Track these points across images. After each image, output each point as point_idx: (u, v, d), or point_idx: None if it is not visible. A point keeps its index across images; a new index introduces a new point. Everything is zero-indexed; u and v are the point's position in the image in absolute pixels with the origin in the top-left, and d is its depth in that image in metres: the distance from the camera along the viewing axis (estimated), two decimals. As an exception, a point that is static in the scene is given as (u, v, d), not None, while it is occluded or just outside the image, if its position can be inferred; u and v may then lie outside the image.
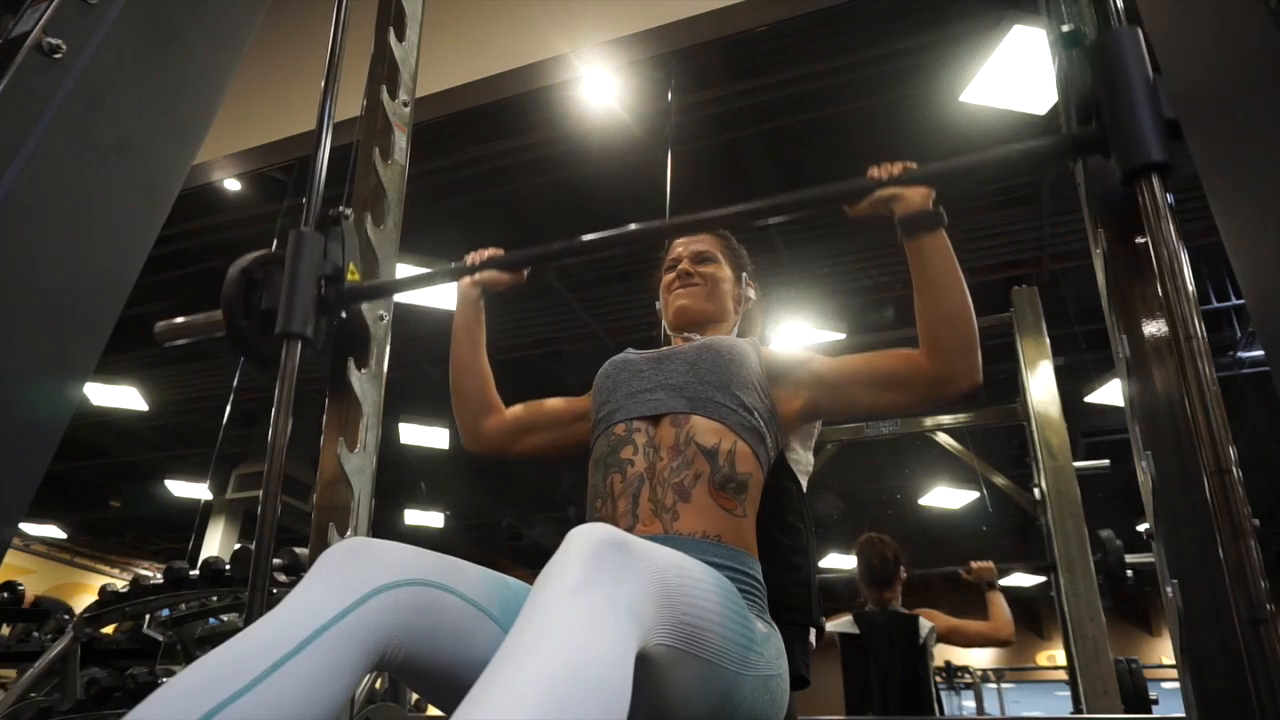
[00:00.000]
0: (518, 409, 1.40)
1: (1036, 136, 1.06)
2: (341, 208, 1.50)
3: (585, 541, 0.75)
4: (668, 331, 1.45)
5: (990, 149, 1.05)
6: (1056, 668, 10.38)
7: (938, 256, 1.11)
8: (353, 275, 1.47)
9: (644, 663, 0.75)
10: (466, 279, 1.40)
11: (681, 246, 1.44)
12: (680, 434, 1.15)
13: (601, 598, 0.70)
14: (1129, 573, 3.21)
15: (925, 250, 1.11)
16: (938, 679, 3.66)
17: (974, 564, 3.29)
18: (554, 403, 1.40)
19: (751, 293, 1.46)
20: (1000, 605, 3.10)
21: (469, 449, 1.41)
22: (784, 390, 1.22)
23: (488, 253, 1.37)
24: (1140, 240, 0.96)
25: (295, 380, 1.30)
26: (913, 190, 1.11)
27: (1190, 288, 0.81)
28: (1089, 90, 0.99)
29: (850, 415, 1.19)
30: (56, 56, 0.96)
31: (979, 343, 1.09)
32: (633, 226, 1.29)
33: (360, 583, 0.80)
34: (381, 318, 1.61)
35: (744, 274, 1.46)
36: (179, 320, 1.52)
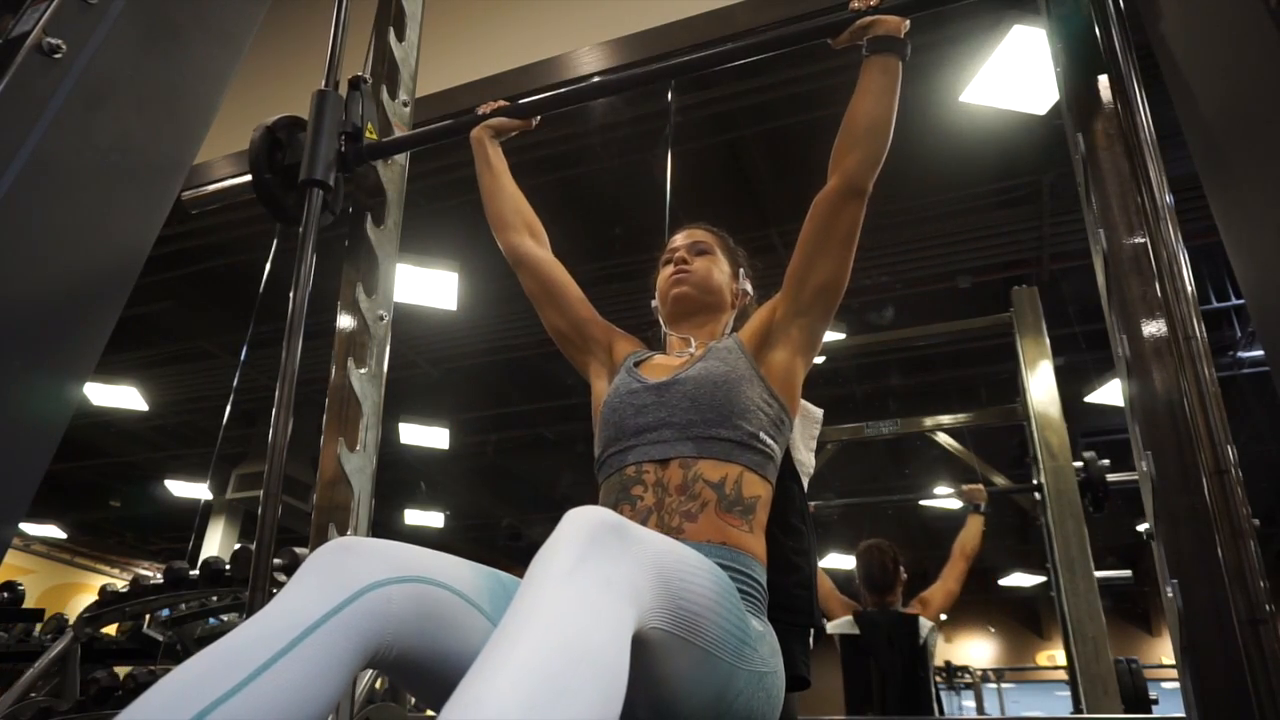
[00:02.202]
0: (556, 268, 1.48)
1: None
2: (361, 73, 1.63)
3: (580, 523, 0.74)
4: (665, 329, 1.45)
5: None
6: (1056, 668, 10.38)
7: (888, 75, 1.25)
8: (370, 135, 1.60)
9: (641, 647, 0.75)
10: (478, 127, 1.57)
11: (679, 239, 1.46)
12: (688, 474, 1.15)
13: (597, 578, 0.70)
14: (1125, 575, 3.22)
15: (880, 66, 1.26)
16: (938, 679, 3.66)
17: (965, 486, 3.35)
18: (581, 305, 1.45)
19: (749, 286, 1.47)
20: (974, 525, 3.15)
21: (502, 249, 1.53)
22: (770, 352, 1.26)
23: (497, 103, 1.57)
24: (1140, 239, 0.96)
25: (315, 230, 1.41)
26: (889, 18, 1.27)
27: (1190, 288, 0.81)
28: None
29: (825, 297, 1.26)
30: (56, 56, 0.96)
31: (882, 163, 1.23)
32: (633, 72, 1.48)
33: (352, 580, 0.79)
34: (381, 318, 1.61)
35: (740, 269, 1.47)
36: (208, 187, 1.62)
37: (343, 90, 1.57)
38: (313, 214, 1.42)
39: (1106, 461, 3.23)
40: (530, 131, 1.60)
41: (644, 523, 1.13)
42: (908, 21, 1.28)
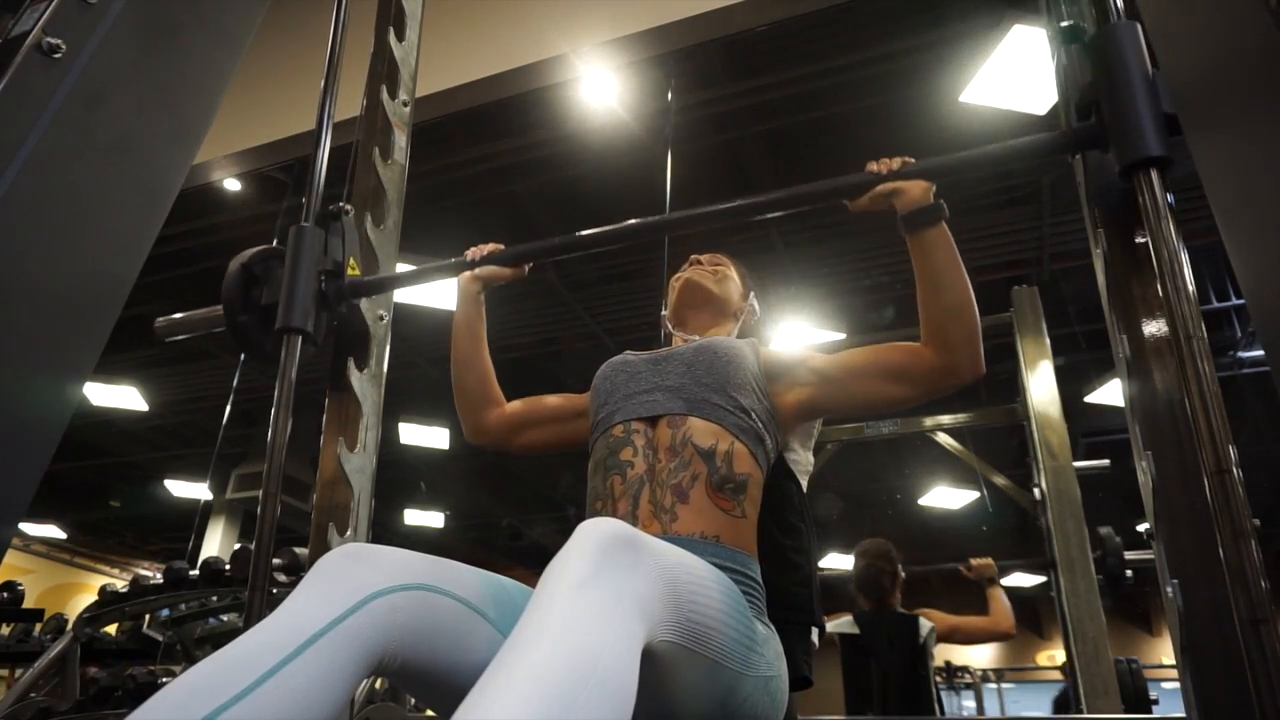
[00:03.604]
0: (518, 405, 1.42)
1: (1037, 132, 1.07)
2: (342, 203, 1.51)
3: (592, 536, 0.74)
4: (669, 328, 1.46)
5: (990, 144, 1.07)
6: (1056, 668, 10.37)
7: (941, 249, 1.12)
8: (353, 270, 1.49)
9: (649, 659, 0.75)
10: (467, 274, 1.43)
11: (696, 253, 1.49)
12: (677, 435, 1.15)
13: (608, 592, 0.70)
14: (1129, 573, 3.22)
15: (928, 244, 1.13)
16: (938, 679, 3.66)
17: (974, 561, 3.30)
18: (553, 399, 1.42)
19: (756, 305, 1.49)
20: (1000, 600, 3.12)
21: (470, 441, 1.43)
22: (782, 387, 1.23)
23: (488, 248, 1.41)
24: (1140, 239, 0.96)
25: (295, 377, 1.31)
26: (912, 184, 1.14)
27: (1190, 288, 0.81)
28: (1088, 85, 1.00)
29: (851, 410, 1.21)
30: (56, 56, 0.96)
31: (981, 334, 1.11)
32: (631, 222, 1.33)
33: (357, 588, 0.80)
34: (381, 318, 1.61)
35: (751, 291, 1.50)
36: (178, 316, 1.53)
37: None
38: (291, 359, 1.33)
39: (1120, 541, 3.20)
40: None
41: (636, 499, 1.12)
42: (933, 184, 1.15)
